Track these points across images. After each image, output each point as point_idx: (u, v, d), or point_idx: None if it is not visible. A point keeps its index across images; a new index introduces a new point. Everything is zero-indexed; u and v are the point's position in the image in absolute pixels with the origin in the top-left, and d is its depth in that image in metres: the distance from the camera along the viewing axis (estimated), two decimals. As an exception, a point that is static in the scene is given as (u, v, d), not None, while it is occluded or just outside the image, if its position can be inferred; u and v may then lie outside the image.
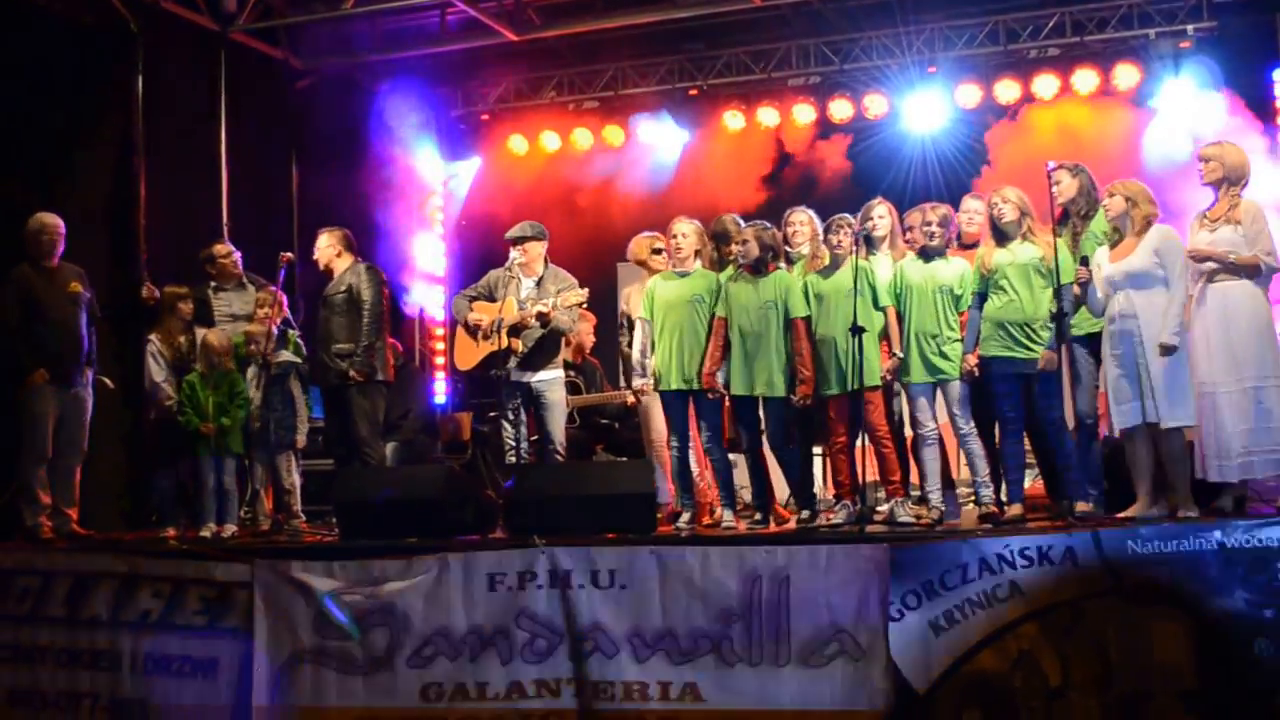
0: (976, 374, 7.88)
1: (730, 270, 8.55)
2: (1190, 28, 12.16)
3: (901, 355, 8.09)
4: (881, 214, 8.45)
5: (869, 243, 8.39)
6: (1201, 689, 6.62)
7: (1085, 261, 7.68)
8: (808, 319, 8.21)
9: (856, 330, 7.78)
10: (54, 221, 9.14)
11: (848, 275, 8.05)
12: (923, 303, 8.06)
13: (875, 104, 13.06)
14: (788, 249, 8.67)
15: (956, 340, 7.99)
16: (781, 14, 12.92)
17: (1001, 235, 7.92)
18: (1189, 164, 8.77)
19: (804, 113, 13.35)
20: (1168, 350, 7.29)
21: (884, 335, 8.16)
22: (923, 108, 12.89)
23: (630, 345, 9.35)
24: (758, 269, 8.31)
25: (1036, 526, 7.41)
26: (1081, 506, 7.68)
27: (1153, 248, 7.41)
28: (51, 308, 9.01)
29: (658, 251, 9.18)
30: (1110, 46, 12.47)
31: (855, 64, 13.21)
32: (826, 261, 8.27)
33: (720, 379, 8.32)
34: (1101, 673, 6.72)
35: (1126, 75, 12.32)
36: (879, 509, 8.50)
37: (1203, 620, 6.65)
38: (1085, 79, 12.44)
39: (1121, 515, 7.49)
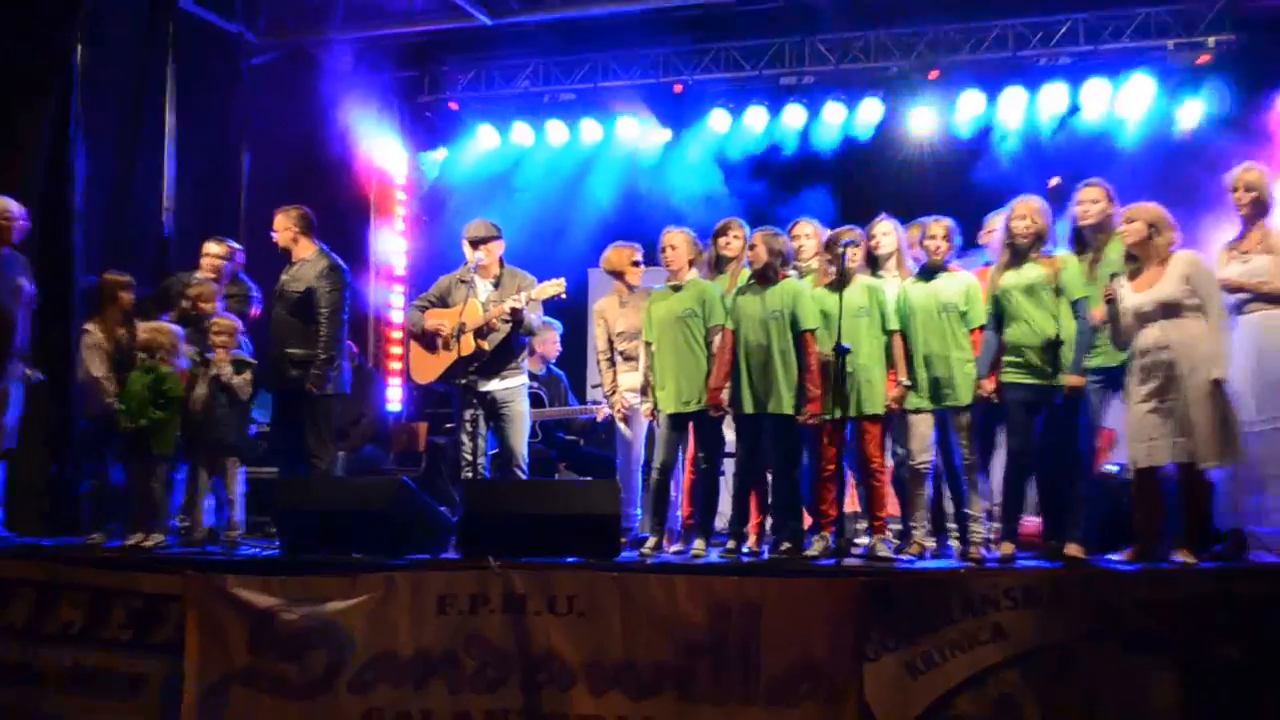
0: (996, 399, 7.91)
1: (733, 279, 8.61)
2: (1210, 40, 12.29)
3: (909, 383, 8.15)
4: (886, 230, 8.55)
5: (873, 262, 8.50)
6: (1194, 743, 6.72)
7: (1113, 277, 7.69)
8: (817, 331, 8.18)
9: (841, 350, 7.79)
10: (17, 208, 9.14)
11: (856, 294, 8.12)
12: (928, 324, 8.13)
13: (871, 109, 13.18)
14: (796, 263, 8.67)
15: (968, 362, 8.05)
16: (775, 8, 12.99)
17: (1017, 254, 7.94)
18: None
19: (795, 114, 13.45)
20: (1220, 384, 7.36)
21: (892, 362, 8.22)
22: (922, 114, 13.00)
23: (604, 364, 9.46)
24: (766, 277, 8.31)
25: (1024, 567, 7.50)
26: (1072, 548, 7.75)
27: (1182, 275, 7.47)
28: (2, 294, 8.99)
29: (637, 264, 9.25)
30: (1124, 57, 12.60)
31: (852, 65, 13.28)
32: (832, 277, 8.28)
33: (724, 397, 8.31)
34: (1087, 722, 6.82)
35: (1141, 88, 12.47)
36: (857, 542, 8.58)
37: (1197, 670, 6.75)
38: (1097, 90, 12.58)
39: (1115, 558, 7.60)
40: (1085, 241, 8.21)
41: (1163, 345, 7.48)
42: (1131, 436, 7.63)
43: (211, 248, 9.94)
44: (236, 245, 9.84)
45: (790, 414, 8.16)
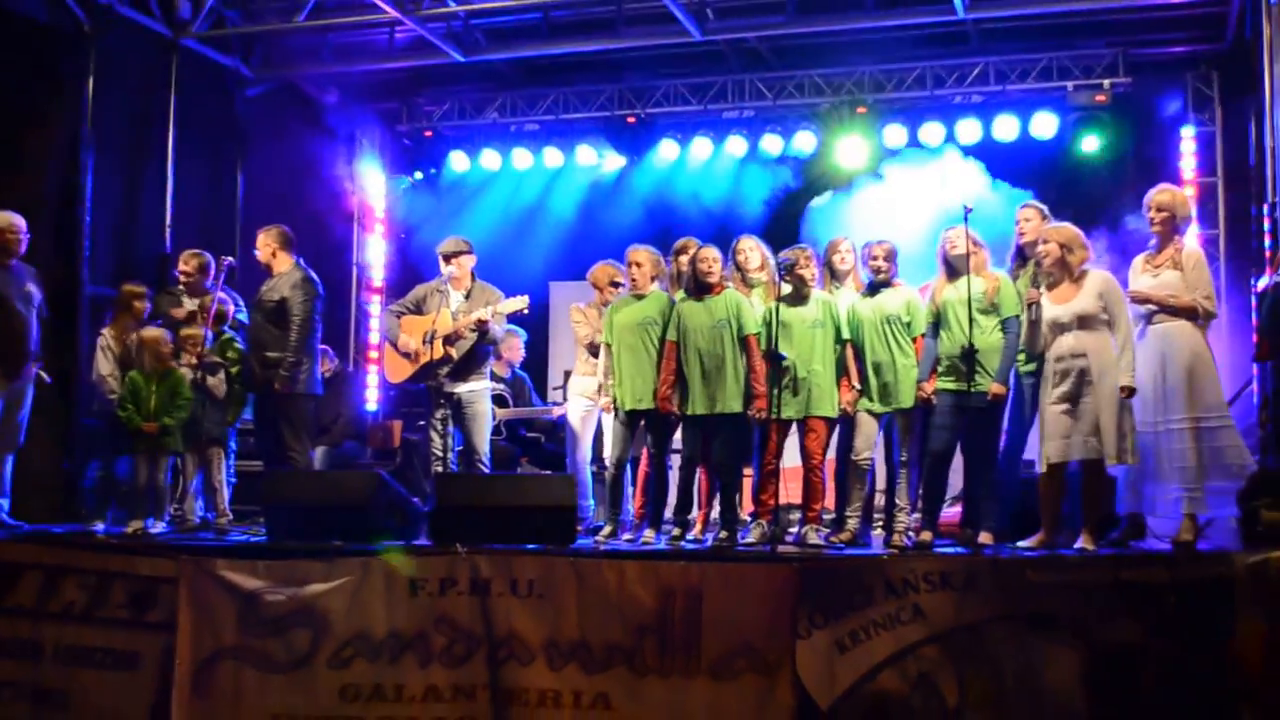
0: (933, 401, 7.89)
1: (680, 293, 8.55)
2: (1106, 83, 12.37)
3: (860, 387, 8.11)
4: (847, 249, 8.50)
5: (833, 276, 8.46)
6: (1090, 714, 6.68)
7: (1037, 284, 7.71)
8: (760, 335, 8.15)
9: (777, 358, 7.82)
10: (21, 222, 8.98)
11: (812, 307, 8.13)
12: (874, 334, 8.10)
13: (805, 140, 13.16)
14: (743, 274, 8.64)
15: (912, 368, 8.01)
16: (719, 49, 13.00)
17: (952, 270, 7.94)
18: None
19: (737, 144, 13.43)
20: (1131, 392, 7.37)
21: (844, 370, 8.17)
22: (850, 146, 12.96)
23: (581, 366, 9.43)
24: (709, 290, 8.29)
25: (941, 553, 7.46)
26: (985, 536, 7.74)
27: (1097, 292, 7.50)
28: (9, 301, 8.82)
29: (616, 285, 9.18)
30: (1030, 96, 12.64)
31: (788, 100, 13.33)
32: (786, 290, 8.21)
33: (674, 400, 8.28)
34: (996, 695, 6.76)
35: (1045, 124, 12.49)
36: (791, 530, 8.52)
37: (1094, 648, 6.71)
38: (1006, 125, 12.58)
39: (1022, 545, 7.57)
40: (1025, 256, 8.25)
41: (1078, 353, 7.49)
42: (1045, 434, 7.61)
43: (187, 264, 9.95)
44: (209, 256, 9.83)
45: (737, 412, 8.13)
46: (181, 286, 9.84)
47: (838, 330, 8.16)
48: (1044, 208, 8.40)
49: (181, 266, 9.89)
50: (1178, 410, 7.42)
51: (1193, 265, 7.59)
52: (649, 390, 8.30)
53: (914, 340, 8.07)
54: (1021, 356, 7.92)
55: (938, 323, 7.97)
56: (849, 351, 8.18)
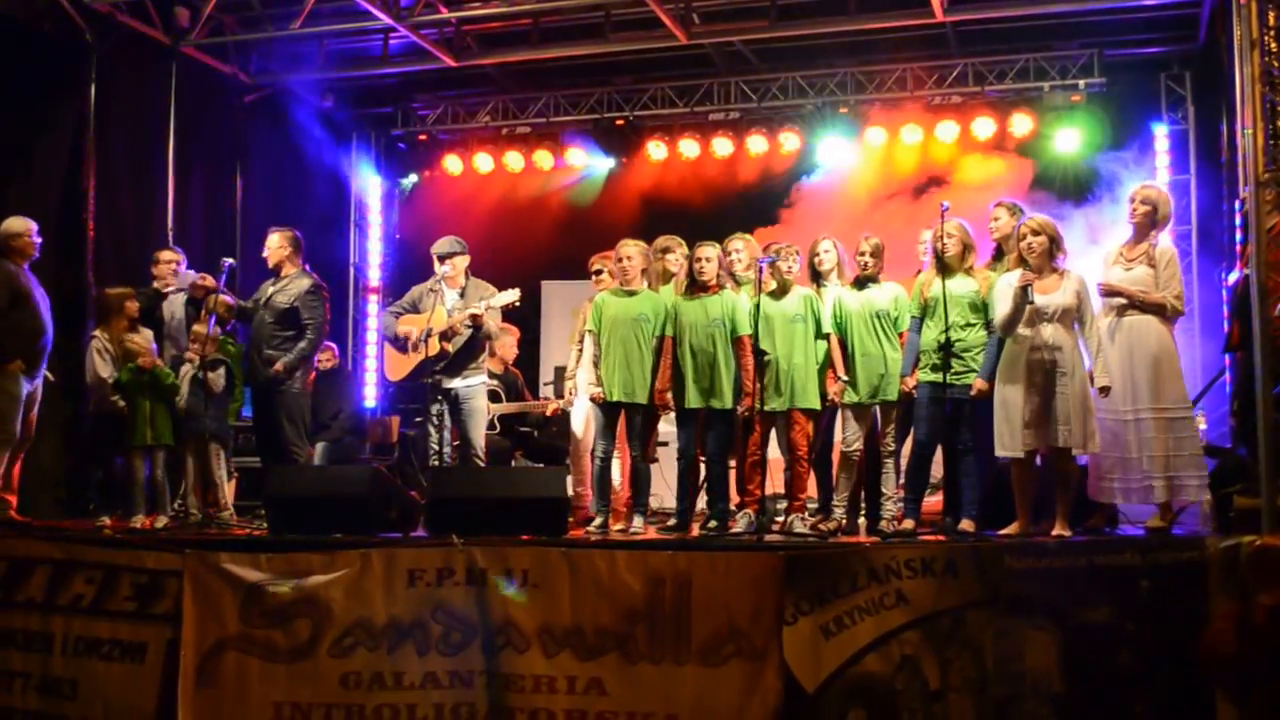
0: (915, 394, 7.95)
1: (670, 289, 8.59)
2: (1082, 83, 12.44)
3: (847, 379, 8.16)
4: (827, 249, 8.53)
5: (816, 275, 8.50)
6: (1068, 695, 6.73)
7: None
8: (752, 336, 8.15)
9: (759, 353, 7.88)
10: (35, 226, 9.01)
11: (793, 302, 8.18)
12: (863, 328, 8.15)
13: (789, 140, 13.22)
14: (732, 274, 8.67)
15: (898, 361, 8.08)
16: (705, 53, 13.04)
17: (944, 267, 7.94)
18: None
19: (723, 145, 13.49)
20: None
21: (829, 362, 8.22)
22: (832, 145, 13.02)
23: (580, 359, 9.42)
24: (708, 288, 8.34)
25: (922, 540, 7.49)
26: (965, 524, 7.79)
27: (1075, 290, 7.53)
28: (29, 301, 8.85)
29: (598, 272, 9.21)
30: (1007, 97, 12.69)
31: (772, 102, 13.38)
32: (773, 285, 8.28)
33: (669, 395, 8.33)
34: (978, 677, 6.79)
35: (1022, 124, 12.54)
36: (777, 519, 8.56)
37: (1071, 631, 6.76)
38: (983, 126, 12.63)
39: (1001, 532, 7.61)
40: (1002, 252, 8.28)
41: (1056, 345, 7.51)
42: (1018, 424, 7.58)
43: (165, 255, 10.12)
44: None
45: (729, 408, 8.20)
46: (155, 285, 9.92)
47: (818, 324, 8.22)
48: (1016, 204, 8.41)
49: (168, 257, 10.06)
50: (1145, 401, 7.47)
51: (1166, 263, 7.61)
52: (636, 384, 8.34)
53: (900, 335, 8.12)
54: None
55: (923, 316, 8.01)
56: (834, 343, 8.23)
